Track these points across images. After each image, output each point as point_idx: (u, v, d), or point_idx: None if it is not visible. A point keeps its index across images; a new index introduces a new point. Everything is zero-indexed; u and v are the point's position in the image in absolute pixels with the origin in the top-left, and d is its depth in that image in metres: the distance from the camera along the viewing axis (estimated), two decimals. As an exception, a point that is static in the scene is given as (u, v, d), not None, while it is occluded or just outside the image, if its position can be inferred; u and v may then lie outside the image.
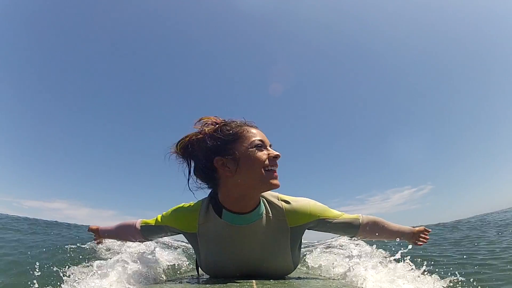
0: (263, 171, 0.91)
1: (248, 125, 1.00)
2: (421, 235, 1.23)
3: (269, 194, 1.06)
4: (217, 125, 0.98)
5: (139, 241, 1.28)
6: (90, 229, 1.40)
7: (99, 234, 1.40)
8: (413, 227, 1.26)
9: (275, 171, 0.94)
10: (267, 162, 0.92)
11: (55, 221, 6.25)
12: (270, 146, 1.00)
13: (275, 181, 0.93)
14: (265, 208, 1.02)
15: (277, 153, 0.96)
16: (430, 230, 1.24)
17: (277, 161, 0.96)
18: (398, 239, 1.22)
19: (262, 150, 0.94)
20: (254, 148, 0.93)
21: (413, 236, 1.22)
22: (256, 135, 0.97)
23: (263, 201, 1.03)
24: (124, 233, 1.27)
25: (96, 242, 1.45)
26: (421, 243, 1.21)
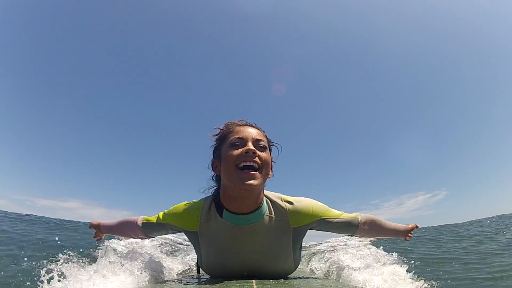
0: (236, 169, 0.91)
1: (238, 125, 1.02)
2: (411, 231, 1.31)
3: (273, 195, 1.08)
4: (220, 130, 1.04)
5: (140, 238, 1.27)
6: (92, 225, 1.38)
7: (100, 230, 1.38)
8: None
9: (250, 171, 0.90)
10: (239, 158, 0.91)
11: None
12: (257, 142, 0.96)
13: (248, 182, 0.89)
14: (268, 209, 1.02)
15: (247, 147, 0.92)
16: (418, 226, 1.36)
17: (254, 156, 0.91)
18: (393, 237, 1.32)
19: (237, 147, 0.93)
20: (230, 146, 0.95)
21: (406, 233, 1.30)
22: (237, 133, 0.97)
23: (266, 202, 1.04)
24: (126, 229, 1.26)
25: (95, 238, 1.43)
26: (408, 239, 1.31)
